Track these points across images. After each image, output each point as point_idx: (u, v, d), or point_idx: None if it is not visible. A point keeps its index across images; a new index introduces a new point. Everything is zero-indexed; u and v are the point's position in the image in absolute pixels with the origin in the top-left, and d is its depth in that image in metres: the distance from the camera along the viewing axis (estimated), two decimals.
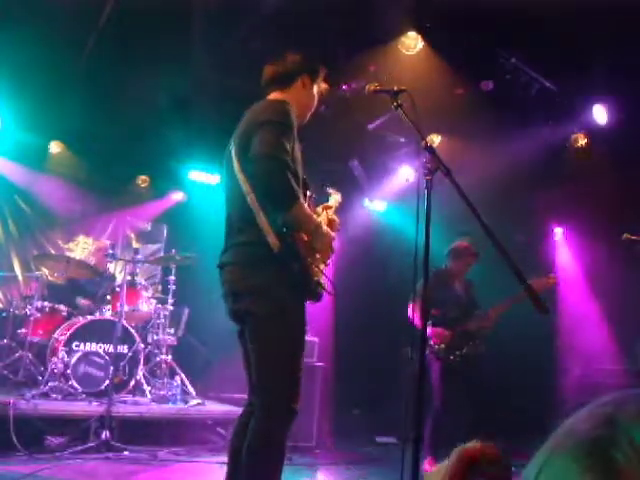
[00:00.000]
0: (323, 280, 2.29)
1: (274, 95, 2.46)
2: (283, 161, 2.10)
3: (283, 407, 2.16)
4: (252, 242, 2.21)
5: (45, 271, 5.84)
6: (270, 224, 2.17)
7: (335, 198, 2.64)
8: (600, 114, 6.08)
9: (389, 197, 8.14)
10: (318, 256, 2.29)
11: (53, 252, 6.86)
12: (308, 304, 2.31)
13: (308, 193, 2.40)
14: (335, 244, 2.37)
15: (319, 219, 2.35)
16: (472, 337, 4.67)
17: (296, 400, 2.18)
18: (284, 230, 2.17)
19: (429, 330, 4.58)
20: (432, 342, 4.60)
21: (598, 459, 0.52)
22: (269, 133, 2.15)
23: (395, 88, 2.31)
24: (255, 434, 2.15)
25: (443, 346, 4.59)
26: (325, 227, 2.32)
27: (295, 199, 2.13)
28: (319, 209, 2.55)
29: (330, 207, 2.57)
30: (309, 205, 2.37)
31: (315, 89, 2.55)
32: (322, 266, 2.32)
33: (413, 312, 4.27)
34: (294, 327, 2.23)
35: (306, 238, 2.23)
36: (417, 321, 4.53)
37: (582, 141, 6.62)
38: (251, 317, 2.22)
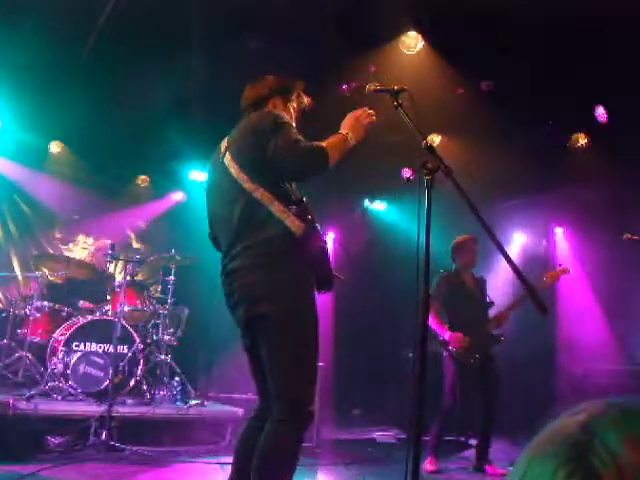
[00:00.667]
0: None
1: (253, 115, 2.51)
2: (300, 142, 2.21)
3: (302, 411, 2.15)
4: (269, 239, 2.18)
5: (45, 271, 5.84)
6: (288, 210, 2.19)
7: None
8: (600, 114, 6.08)
9: (389, 197, 8.14)
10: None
11: (52, 252, 6.86)
12: None
13: (305, 198, 2.40)
14: (335, 244, 2.39)
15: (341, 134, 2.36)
16: (490, 339, 4.67)
17: (313, 402, 2.18)
18: (304, 213, 2.20)
19: (448, 335, 4.55)
20: (451, 347, 4.57)
21: (578, 465, 0.53)
22: (281, 132, 2.23)
23: (395, 87, 2.30)
24: (272, 437, 2.12)
25: (462, 350, 4.55)
26: (345, 127, 2.38)
27: (325, 153, 2.22)
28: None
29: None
30: (310, 208, 2.37)
31: (291, 107, 2.58)
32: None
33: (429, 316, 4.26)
34: (312, 327, 2.22)
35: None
36: (434, 325, 4.51)
37: (582, 141, 6.62)
38: (268, 321, 2.17)
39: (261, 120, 2.34)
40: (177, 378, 5.39)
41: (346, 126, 2.37)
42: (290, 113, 2.56)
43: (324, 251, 2.25)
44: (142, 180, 7.84)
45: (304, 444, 5.01)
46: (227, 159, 2.35)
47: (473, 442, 4.91)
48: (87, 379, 4.92)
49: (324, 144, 2.25)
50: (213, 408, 5.25)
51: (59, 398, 4.73)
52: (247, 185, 2.23)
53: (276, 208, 2.18)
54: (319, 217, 2.59)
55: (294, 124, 2.59)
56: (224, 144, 2.44)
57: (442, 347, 4.57)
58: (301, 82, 2.64)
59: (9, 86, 5.82)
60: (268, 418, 2.19)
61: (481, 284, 4.93)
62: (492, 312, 4.81)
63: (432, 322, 4.54)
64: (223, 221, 2.36)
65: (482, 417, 4.61)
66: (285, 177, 2.28)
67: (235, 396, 5.57)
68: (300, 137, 2.25)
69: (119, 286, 5.51)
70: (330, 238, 7.77)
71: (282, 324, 2.16)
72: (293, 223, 2.16)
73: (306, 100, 2.65)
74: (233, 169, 2.30)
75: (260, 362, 2.25)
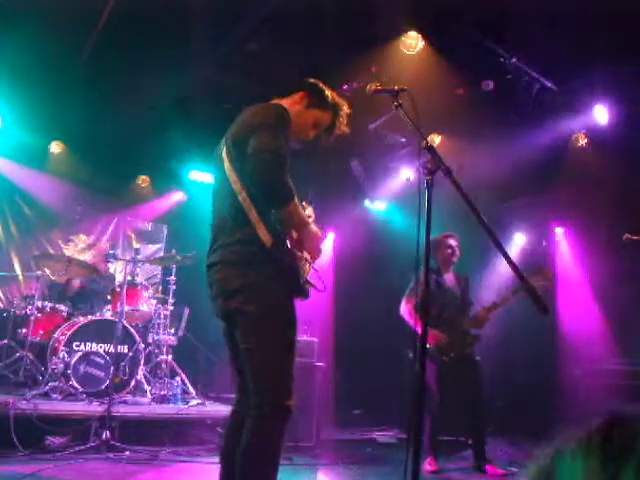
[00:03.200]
0: (311, 278, 2.32)
1: (273, 101, 2.49)
2: (280, 157, 2.13)
3: (278, 405, 2.17)
4: (244, 240, 2.21)
5: (46, 271, 5.84)
6: (262, 220, 2.19)
7: (309, 210, 2.64)
8: (600, 114, 6.08)
9: (389, 197, 8.14)
10: (306, 255, 2.32)
11: (53, 252, 6.86)
12: (304, 303, 2.31)
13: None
14: (335, 245, 2.38)
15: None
16: (465, 337, 4.68)
17: (290, 397, 2.19)
18: (277, 226, 2.20)
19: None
20: (430, 345, 4.61)
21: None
22: (266, 133, 2.17)
23: (396, 88, 2.31)
24: (252, 434, 2.14)
25: (436, 347, 4.59)
26: (314, 228, 2.34)
27: (291, 196, 2.16)
28: None
29: (310, 216, 2.59)
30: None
31: (314, 113, 2.50)
32: (308, 267, 2.34)
33: (405, 308, 4.34)
34: (286, 324, 2.24)
35: (295, 235, 2.27)
36: (411, 320, 4.58)
37: (582, 141, 6.62)
38: (243, 316, 2.21)
39: (258, 113, 2.30)
40: (177, 378, 5.39)
41: (314, 233, 2.33)
42: (306, 115, 2.49)
43: (292, 265, 2.23)
44: (142, 180, 7.85)
45: (304, 444, 5.02)
46: (223, 153, 2.34)
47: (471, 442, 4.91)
48: (88, 379, 4.92)
49: (296, 199, 2.19)
50: (213, 408, 5.25)
51: (59, 398, 4.73)
52: (235, 186, 2.24)
53: (252, 215, 2.20)
54: (319, 216, 2.60)
55: (305, 126, 2.52)
56: (226, 135, 2.42)
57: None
58: (346, 107, 2.56)
59: (9, 86, 5.82)
60: (247, 413, 2.21)
61: (463, 283, 4.92)
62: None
63: (409, 317, 4.66)
64: (217, 215, 2.40)
65: (470, 417, 4.62)
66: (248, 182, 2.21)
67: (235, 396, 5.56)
68: (283, 152, 2.15)
69: (119, 286, 5.52)
70: (330, 238, 7.78)
71: (256, 320, 2.19)
72: (264, 234, 2.18)
73: (343, 129, 2.56)
74: (226, 166, 2.30)
75: (238, 354, 2.28)
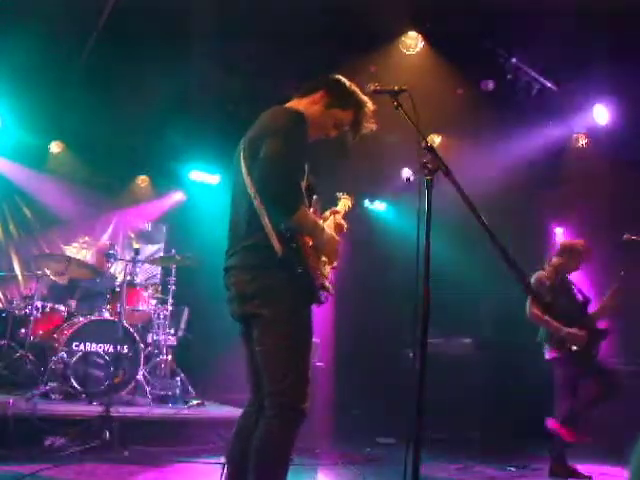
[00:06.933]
0: (326, 283, 2.29)
1: (292, 103, 2.45)
2: (287, 166, 2.10)
3: (294, 407, 2.17)
4: (259, 245, 2.20)
5: (47, 271, 5.83)
6: (273, 228, 2.17)
7: (345, 203, 2.62)
8: (600, 114, 6.08)
9: (389, 197, 8.14)
10: (323, 259, 2.30)
11: (53, 252, 6.86)
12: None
13: (315, 197, 2.39)
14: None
15: (324, 224, 2.35)
16: (599, 334, 4.54)
17: (306, 400, 2.19)
18: (288, 235, 2.17)
19: (565, 331, 4.32)
20: (571, 345, 4.33)
21: None
22: (277, 139, 2.14)
23: (396, 88, 2.31)
24: (265, 434, 2.15)
25: (579, 348, 4.34)
26: (330, 231, 2.32)
27: (297, 205, 2.12)
28: (327, 213, 2.55)
29: (338, 212, 2.56)
30: (315, 209, 2.37)
31: (334, 113, 2.45)
32: (327, 269, 2.33)
33: (532, 309, 4.27)
34: (302, 328, 2.23)
35: (310, 242, 2.25)
36: (544, 323, 4.33)
37: (582, 141, 6.62)
38: (259, 319, 2.20)
39: (272, 118, 2.27)
40: (177, 378, 5.39)
41: (330, 238, 2.28)
42: (324, 114, 2.44)
43: (305, 272, 2.19)
44: (142, 180, 7.85)
45: (304, 444, 5.00)
46: (241, 157, 2.32)
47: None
48: (87, 379, 4.92)
49: (304, 206, 2.16)
50: (213, 408, 5.25)
51: (59, 398, 4.73)
52: (251, 191, 2.22)
53: (265, 222, 2.18)
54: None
55: (324, 125, 2.46)
56: (244, 138, 2.38)
57: (559, 346, 4.36)
58: (369, 108, 2.47)
59: (9, 86, 5.83)
60: (259, 414, 2.20)
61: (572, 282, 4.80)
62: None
63: (537, 319, 4.37)
64: (234, 219, 2.38)
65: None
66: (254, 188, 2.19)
67: (235, 396, 5.57)
68: (292, 159, 2.11)
69: (119, 286, 5.51)
70: None
71: (272, 323, 2.18)
72: (275, 242, 2.16)
73: (369, 127, 2.49)
74: (243, 170, 2.28)
75: (254, 355, 2.28)
